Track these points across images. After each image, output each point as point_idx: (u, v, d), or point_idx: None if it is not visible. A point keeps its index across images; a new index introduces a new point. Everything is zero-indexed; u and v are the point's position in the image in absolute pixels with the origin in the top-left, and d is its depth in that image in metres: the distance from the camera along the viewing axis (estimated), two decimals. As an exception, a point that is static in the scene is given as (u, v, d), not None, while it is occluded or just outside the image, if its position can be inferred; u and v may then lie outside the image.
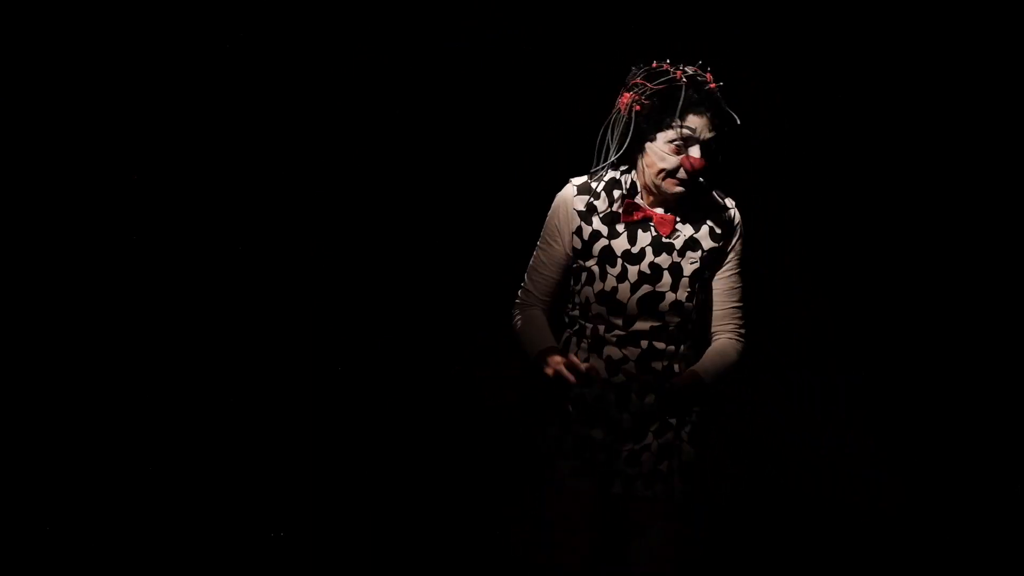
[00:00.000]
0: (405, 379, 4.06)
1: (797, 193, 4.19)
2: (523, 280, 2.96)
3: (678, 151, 2.77)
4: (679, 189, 2.79)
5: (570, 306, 2.94)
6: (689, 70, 2.80)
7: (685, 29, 4.02)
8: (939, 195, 4.14)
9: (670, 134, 2.76)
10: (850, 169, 4.19)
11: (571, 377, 2.72)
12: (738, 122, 2.80)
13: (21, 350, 3.75)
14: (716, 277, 2.92)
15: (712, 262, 2.89)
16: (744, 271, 2.94)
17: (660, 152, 2.78)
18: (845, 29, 4.11)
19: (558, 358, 2.78)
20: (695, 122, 2.76)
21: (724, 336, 2.93)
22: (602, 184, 2.86)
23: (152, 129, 3.85)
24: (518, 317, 2.94)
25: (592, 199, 2.85)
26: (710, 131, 2.77)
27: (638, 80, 2.81)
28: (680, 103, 2.73)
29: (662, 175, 2.79)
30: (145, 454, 3.85)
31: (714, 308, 2.94)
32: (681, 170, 2.77)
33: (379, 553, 3.98)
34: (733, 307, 2.93)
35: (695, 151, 2.76)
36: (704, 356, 2.91)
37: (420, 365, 4.06)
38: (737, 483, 4.20)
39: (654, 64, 2.82)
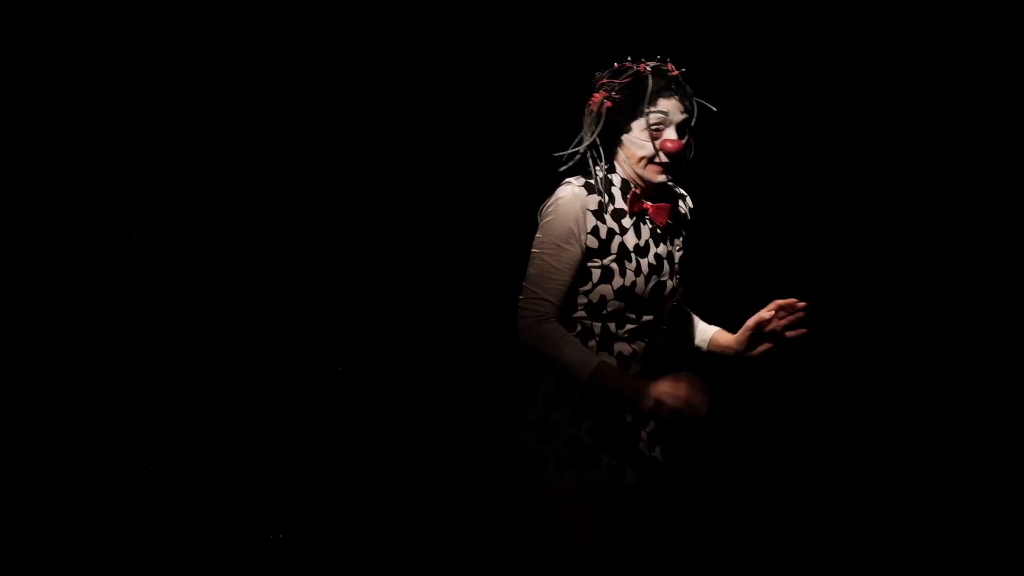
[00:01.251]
0: (405, 379, 4.06)
1: (797, 193, 4.19)
2: (527, 292, 2.84)
3: (654, 136, 2.85)
4: (662, 176, 2.87)
5: (571, 309, 2.94)
6: (652, 63, 2.89)
7: (685, 29, 4.02)
8: (939, 194, 4.14)
9: (644, 121, 2.84)
10: (850, 169, 4.19)
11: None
12: (709, 107, 2.89)
13: (21, 350, 3.75)
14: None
15: (686, 247, 3.01)
16: None
17: (638, 141, 2.85)
18: (845, 29, 4.11)
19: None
20: (666, 105, 2.84)
21: (687, 309, 3.13)
22: (600, 182, 2.89)
23: (152, 129, 3.85)
24: (544, 331, 2.79)
25: (600, 197, 2.87)
26: (681, 113, 2.85)
27: (605, 80, 2.91)
28: (649, 89, 2.83)
29: (643, 163, 2.86)
30: (145, 454, 3.84)
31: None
32: (660, 154, 2.84)
33: (379, 553, 3.98)
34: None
35: (670, 132, 2.84)
36: (702, 327, 3.10)
37: (420, 365, 4.06)
38: (738, 482, 4.20)
39: (616, 65, 2.91)
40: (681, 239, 2.99)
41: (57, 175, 3.78)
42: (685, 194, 3.06)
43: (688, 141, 2.87)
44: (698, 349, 3.09)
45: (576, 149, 2.92)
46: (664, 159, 2.85)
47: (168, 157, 3.88)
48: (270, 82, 3.94)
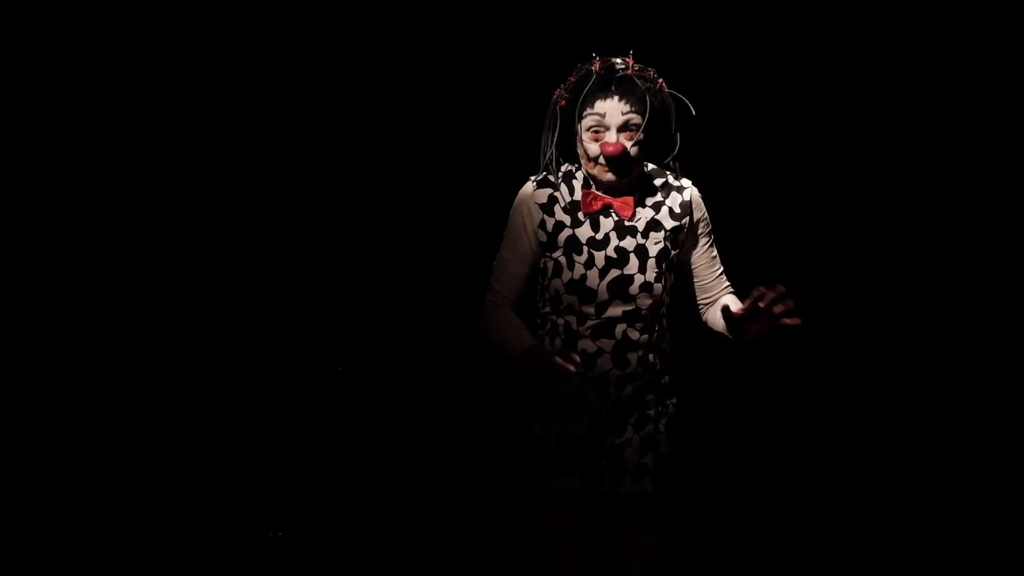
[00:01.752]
0: (405, 379, 4.06)
1: (797, 193, 4.19)
2: (488, 282, 2.95)
3: (596, 138, 2.82)
4: (609, 176, 2.85)
5: (539, 304, 2.95)
6: (616, 60, 2.85)
7: (686, 29, 4.02)
8: (939, 194, 4.14)
9: (585, 123, 2.83)
10: (850, 169, 4.19)
11: (571, 367, 2.67)
12: (650, 102, 2.82)
13: (21, 350, 3.75)
14: (695, 253, 3.00)
15: (676, 241, 2.94)
16: (714, 242, 3.04)
17: (583, 142, 2.85)
18: (845, 29, 4.11)
19: (548, 356, 2.73)
20: (603, 107, 2.81)
21: (725, 294, 3.02)
22: (560, 177, 2.89)
23: (152, 129, 3.85)
24: (489, 319, 2.90)
25: (553, 191, 2.88)
26: (623, 114, 2.81)
27: (570, 79, 2.89)
28: (585, 90, 2.80)
29: (592, 164, 2.86)
30: (145, 454, 3.84)
31: (703, 280, 3.02)
32: (601, 156, 2.82)
33: (379, 553, 3.98)
34: (720, 274, 3.04)
35: (610, 136, 2.81)
36: (724, 302, 2.94)
37: (420, 365, 4.06)
38: (738, 482, 4.20)
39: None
40: (664, 232, 2.92)
41: (57, 175, 3.78)
42: (685, 186, 2.98)
43: (640, 142, 2.80)
44: (724, 334, 2.96)
45: (545, 144, 2.94)
46: (604, 162, 2.83)
47: (168, 157, 3.88)
48: (270, 82, 3.94)
